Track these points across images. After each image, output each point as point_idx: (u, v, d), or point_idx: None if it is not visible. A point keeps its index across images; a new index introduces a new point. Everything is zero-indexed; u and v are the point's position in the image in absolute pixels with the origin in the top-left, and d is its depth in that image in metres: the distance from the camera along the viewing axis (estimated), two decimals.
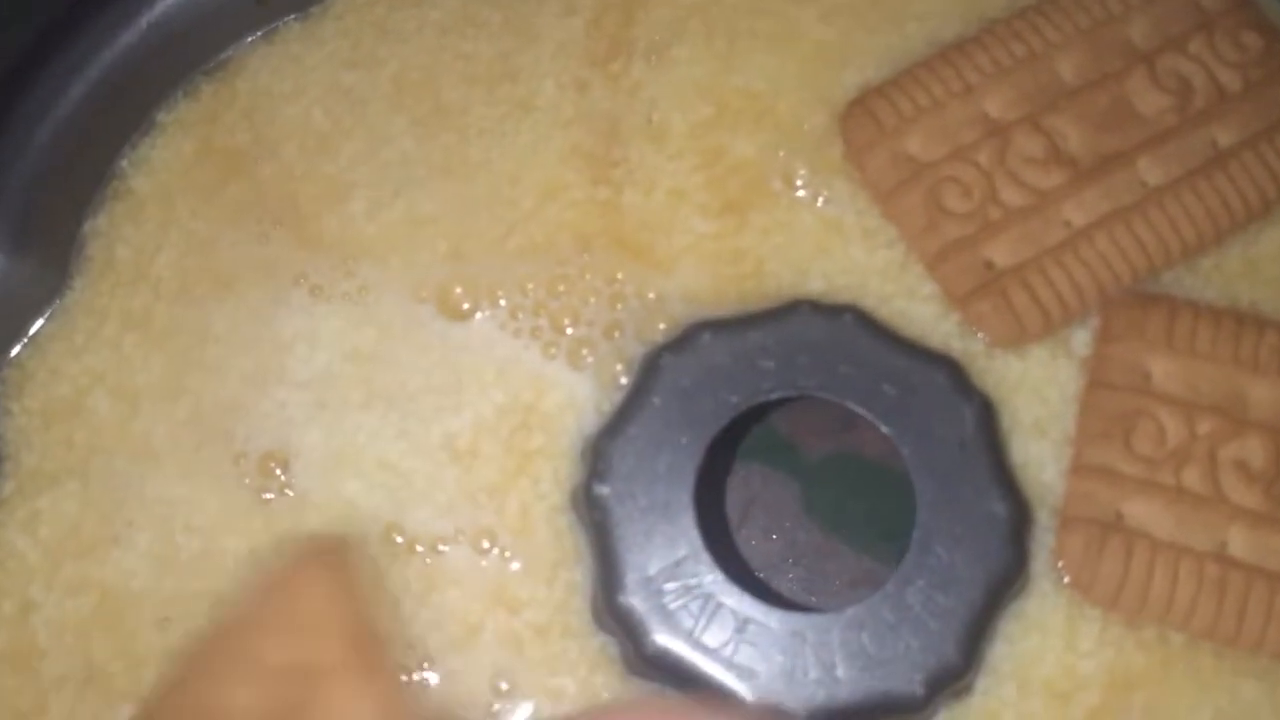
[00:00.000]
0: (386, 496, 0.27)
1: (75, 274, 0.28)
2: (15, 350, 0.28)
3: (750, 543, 0.29)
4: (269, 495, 0.27)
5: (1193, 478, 0.26)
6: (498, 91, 0.29)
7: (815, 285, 0.28)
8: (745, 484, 0.29)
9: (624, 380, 0.27)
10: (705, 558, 0.24)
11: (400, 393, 0.27)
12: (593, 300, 0.28)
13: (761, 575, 0.29)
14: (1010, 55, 0.29)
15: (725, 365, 0.25)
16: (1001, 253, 0.27)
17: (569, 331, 0.28)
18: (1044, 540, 0.26)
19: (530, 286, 0.28)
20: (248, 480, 0.27)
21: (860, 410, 0.25)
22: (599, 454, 0.25)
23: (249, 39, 0.30)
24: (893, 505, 0.28)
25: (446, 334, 0.28)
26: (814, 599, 0.29)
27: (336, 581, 0.19)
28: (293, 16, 0.30)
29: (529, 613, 0.26)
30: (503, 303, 0.28)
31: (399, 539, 0.27)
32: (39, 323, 0.28)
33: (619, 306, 0.28)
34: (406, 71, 0.29)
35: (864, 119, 0.28)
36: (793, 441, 0.30)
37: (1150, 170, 0.28)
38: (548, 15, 0.30)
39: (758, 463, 0.29)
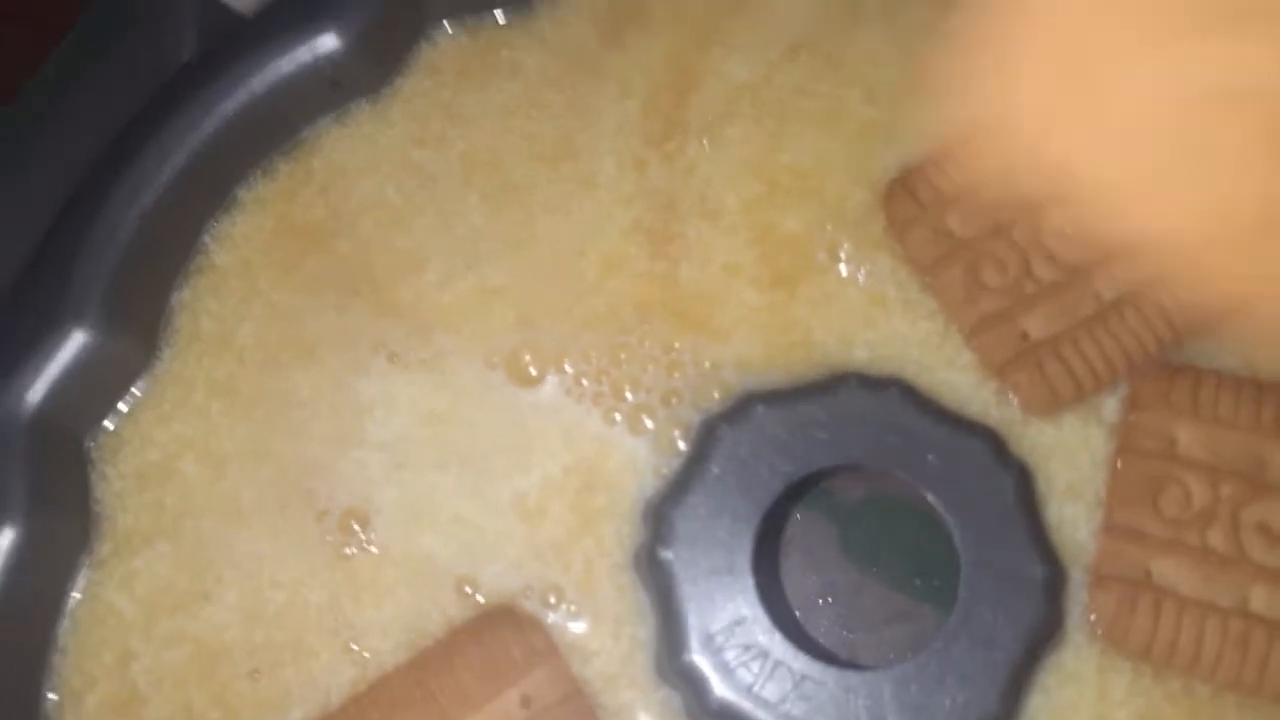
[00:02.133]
0: (460, 551, 0.28)
1: (164, 345, 0.30)
2: (110, 418, 0.29)
3: (789, 581, 0.30)
4: (350, 550, 0.28)
5: (1217, 538, 0.28)
6: (561, 169, 0.31)
7: (860, 354, 0.30)
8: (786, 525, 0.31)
9: (681, 445, 0.29)
10: (763, 618, 0.26)
11: (473, 453, 0.29)
12: (651, 368, 0.30)
13: (800, 612, 0.30)
14: None
15: (780, 437, 0.27)
16: (1036, 325, 0.29)
17: (629, 398, 0.29)
18: (1078, 596, 0.28)
19: (593, 354, 0.30)
20: (329, 537, 0.28)
21: (907, 479, 0.27)
22: (661, 519, 0.27)
23: (322, 120, 0.32)
24: (924, 544, 0.29)
25: (516, 399, 0.30)
26: (850, 634, 0.30)
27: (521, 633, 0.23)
28: (364, 99, 0.32)
29: (597, 663, 0.27)
30: (568, 369, 0.30)
31: (468, 590, 0.28)
32: (131, 392, 0.30)
33: (676, 374, 0.30)
34: (474, 151, 0.31)
35: (905, 197, 0.30)
36: (830, 486, 0.31)
37: None
38: (606, 97, 0.32)
39: (797, 506, 0.31)
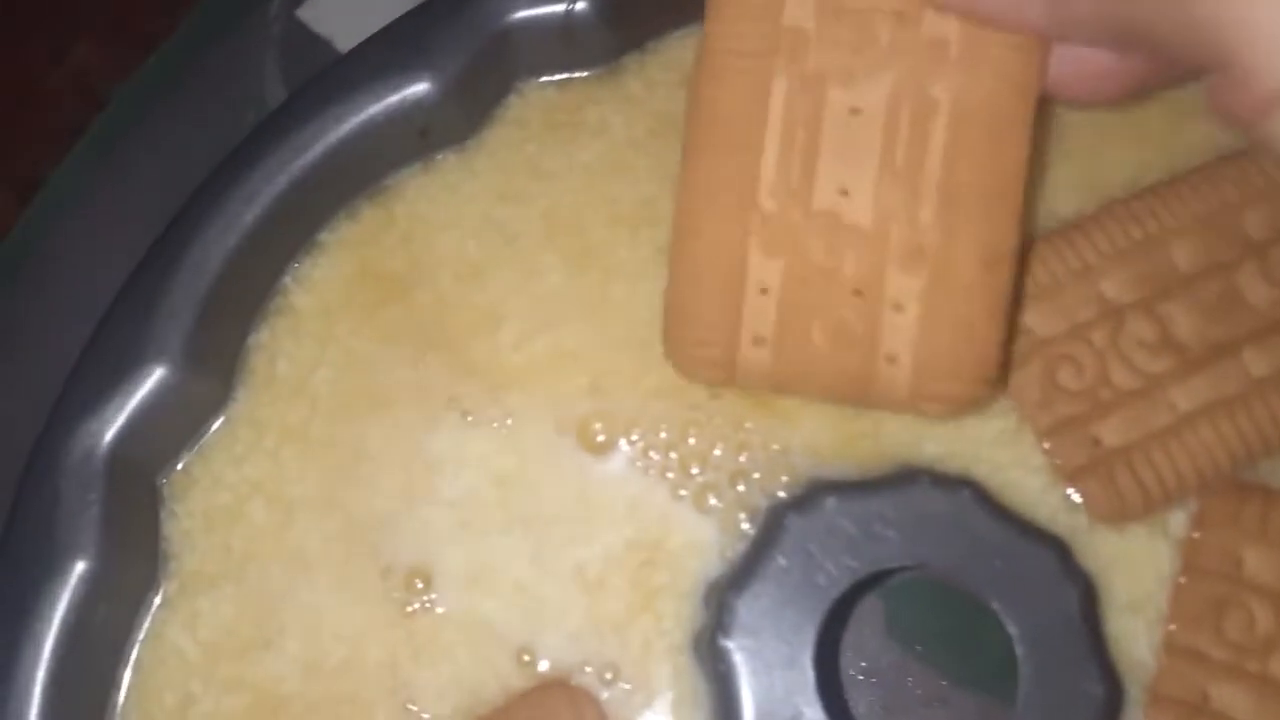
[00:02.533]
0: (520, 618, 0.29)
1: (239, 386, 0.30)
2: (182, 458, 0.30)
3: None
4: (412, 608, 0.29)
5: (1278, 667, 0.27)
6: (640, 234, 0.31)
7: (930, 449, 0.29)
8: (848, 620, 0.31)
9: (745, 526, 0.29)
10: (822, 717, 0.26)
11: (536, 519, 0.29)
12: (720, 447, 0.30)
13: (846, 687, 0.30)
14: (1128, 237, 0.30)
15: (848, 531, 0.27)
16: (1110, 432, 0.29)
17: (696, 475, 0.30)
18: (1132, 714, 0.28)
19: (663, 427, 0.30)
20: (395, 594, 0.29)
21: (972, 586, 0.27)
22: (725, 607, 0.27)
23: (408, 169, 0.32)
24: (969, 628, 0.29)
25: (582, 465, 0.30)
26: (889, 715, 0.30)
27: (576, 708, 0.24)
28: (450, 149, 0.32)
29: None
30: (636, 440, 0.30)
31: (526, 659, 0.29)
32: (205, 432, 0.30)
33: (744, 455, 0.30)
34: (556, 209, 0.31)
35: None
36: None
37: (1255, 361, 0.30)
38: None
39: (863, 593, 0.30)
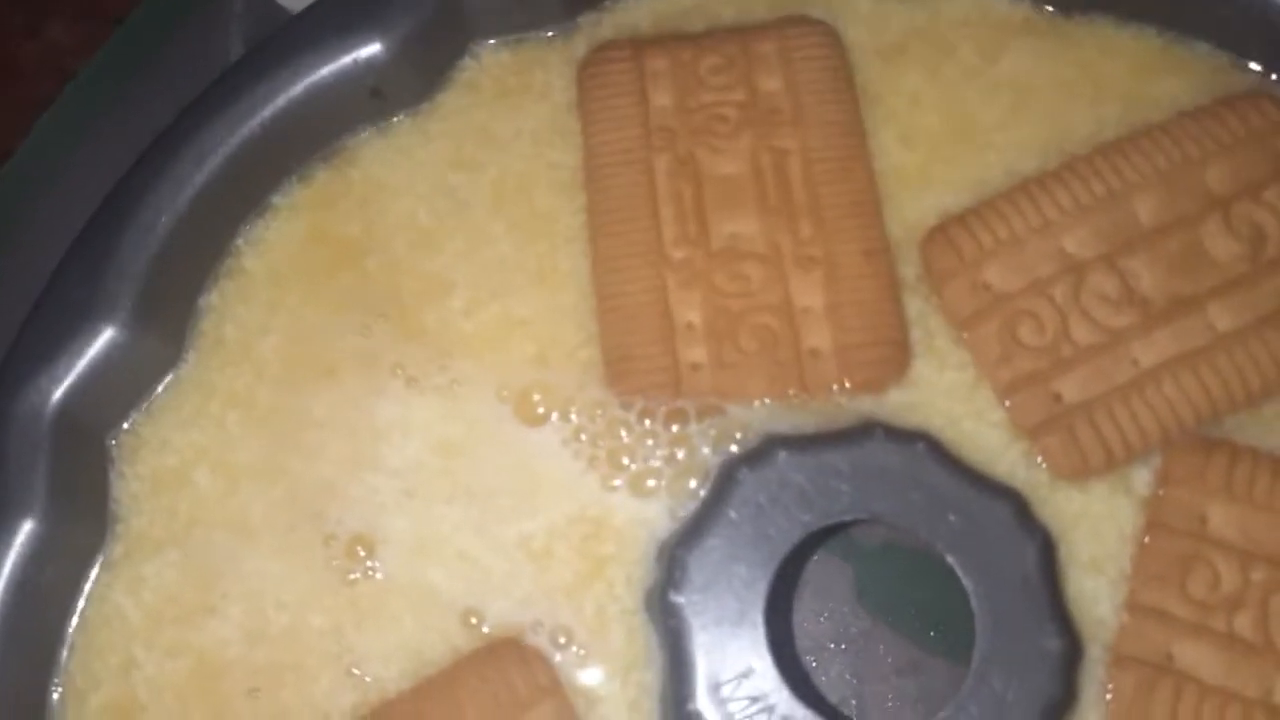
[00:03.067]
0: (466, 586, 0.28)
1: (189, 347, 0.30)
2: (132, 418, 0.29)
3: (802, 624, 0.30)
4: (354, 576, 0.28)
5: (1244, 625, 0.27)
6: (580, 200, 0.31)
7: (887, 400, 0.29)
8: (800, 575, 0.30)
9: (693, 484, 0.28)
10: (773, 672, 0.26)
11: (480, 490, 0.29)
12: (663, 412, 0.29)
13: (810, 658, 0.29)
14: (1089, 193, 0.30)
15: (800, 485, 0.27)
16: (1070, 388, 0.29)
17: (647, 441, 0.29)
18: (1094, 673, 0.27)
19: (607, 395, 0.29)
20: (335, 561, 0.28)
21: (928, 538, 0.26)
22: (676, 563, 0.26)
23: (363, 131, 0.31)
24: (940, 595, 0.29)
25: (524, 438, 0.29)
26: (859, 683, 0.29)
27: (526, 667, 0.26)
28: (405, 112, 0.31)
29: (602, 708, 0.27)
30: (576, 414, 0.29)
31: (474, 621, 0.28)
32: (154, 393, 0.29)
33: (692, 422, 0.29)
34: (504, 177, 0.31)
35: (945, 247, 0.30)
36: (850, 530, 0.30)
37: (1220, 316, 0.29)
38: None
39: (814, 550, 0.30)
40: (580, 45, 0.32)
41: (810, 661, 0.29)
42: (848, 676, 0.30)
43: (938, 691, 0.29)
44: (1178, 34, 0.31)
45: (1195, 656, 0.27)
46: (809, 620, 0.30)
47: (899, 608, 0.30)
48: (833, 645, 0.30)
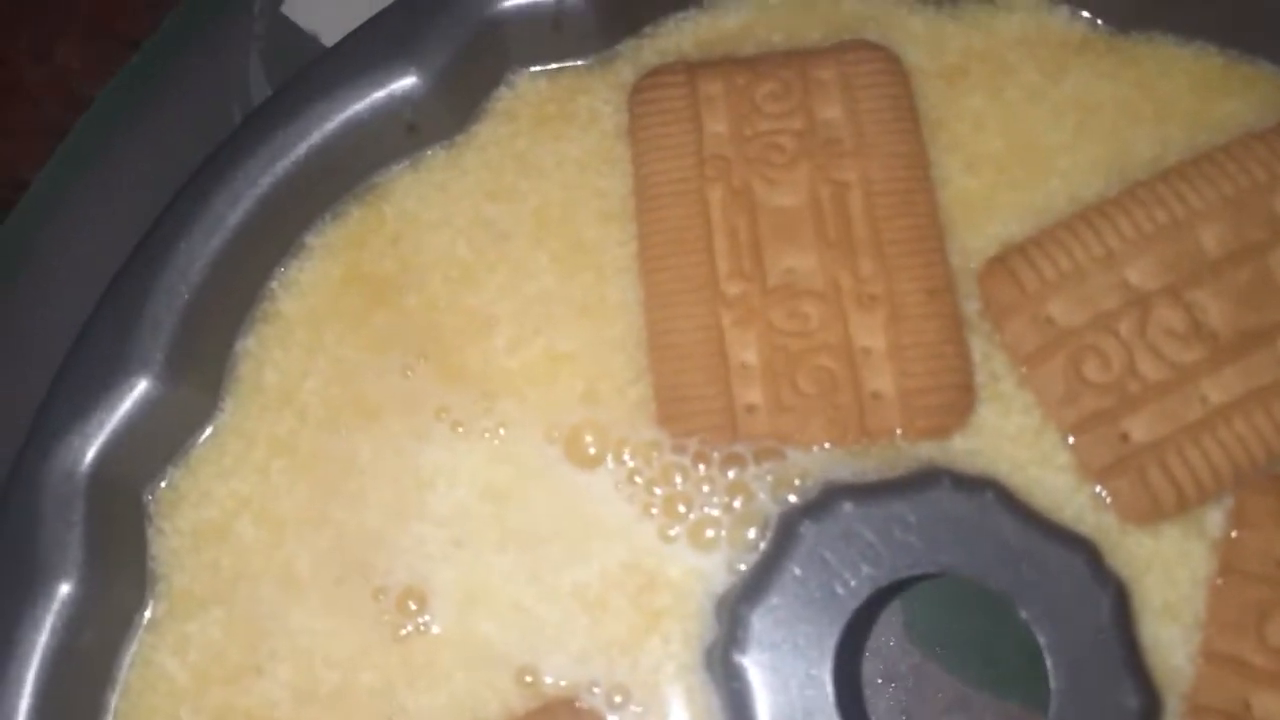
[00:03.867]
0: (520, 639, 0.27)
1: (227, 395, 0.29)
2: (169, 472, 0.28)
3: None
4: (405, 630, 0.27)
5: None
6: (630, 229, 0.30)
7: (949, 444, 0.28)
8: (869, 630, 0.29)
9: (752, 535, 0.27)
10: None
11: (532, 536, 0.28)
12: (717, 458, 0.28)
13: (864, 705, 0.29)
14: (1152, 221, 0.29)
15: (866, 538, 0.26)
16: (1139, 428, 0.28)
17: (703, 487, 0.28)
18: None
19: (661, 436, 0.28)
20: (386, 616, 0.27)
21: (1000, 590, 0.25)
22: (739, 621, 0.26)
23: (397, 167, 0.30)
24: (989, 628, 0.28)
25: (575, 482, 0.28)
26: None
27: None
28: (439, 145, 0.30)
29: None
30: (627, 457, 0.28)
31: (529, 679, 0.27)
32: (192, 445, 0.29)
33: (749, 466, 0.28)
34: (547, 206, 0.30)
35: (1005, 279, 0.29)
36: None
37: None
38: None
39: (884, 603, 0.29)
40: (625, 70, 0.31)
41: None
42: (897, 713, 0.29)
43: None
44: (1240, 52, 0.30)
45: (1273, 706, 0.26)
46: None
47: (948, 642, 0.29)
48: (880, 681, 0.29)
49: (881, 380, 0.27)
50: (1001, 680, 0.29)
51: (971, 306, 0.29)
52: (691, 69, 0.30)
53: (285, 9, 0.36)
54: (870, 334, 0.28)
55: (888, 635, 0.29)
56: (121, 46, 0.36)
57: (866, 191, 0.29)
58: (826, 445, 0.28)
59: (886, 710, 0.29)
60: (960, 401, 0.28)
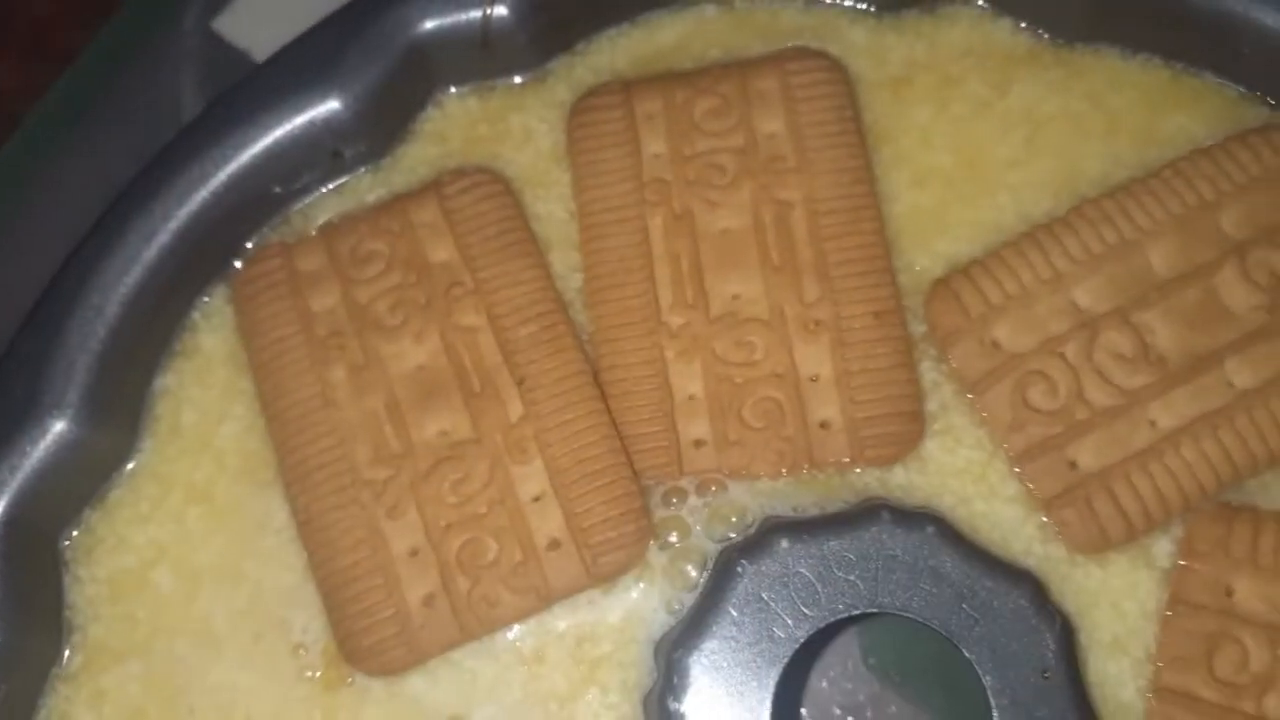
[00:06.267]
0: (452, 692, 0.26)
1: (145, 435, 0.28)
2: (86, 516, 0.27)
3: (806, 689, 0.28)
4: (329, 687, 0.26)
5: (1274, 706, 0.25)
6: (572, 258, 0.28)
7: (890, 475, 0.27)
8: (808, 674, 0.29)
9: (691, 572, 0.27)
10: None
11: None
12: (656, 494, 0.27)
13: None
14: (1101, 241, 0.28)
15: (804, 577, 0.25)
16: (1086, 455, 0.27)
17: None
18: None
19: None
20: (308, 672, 0.26)
21: (941, 631, 0.25)
22: (675, 667, 0.25)
23: (320, 190, 0.29)
24: (949, 657, 0.27)
25: None
26: None
27: None
28: (364, 168, 0.29)
29: None
30: None
31: None
32: (110, 487, 0.27)
33: (689, 498, 0.27)
34: None
35: (950, 303, 0.28)
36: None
37: (1238, 372, 0.27)
38: None
39: (824, 642, 0.28)
40: (559, 88, 0.30)
41: None
42: None
43: None
44: (1185, 65, 0.30)
45: None
46: (812, 684, 0.28)
47: (907, 669, 0.28)
48: (839, 712, 0.28)
49: (829, 409, 0.27)
50: (965, 710, 0.27)
51: (919, 329, 0.28)
52: (628, 87, 0.29)
53: (216, 25, 0.34)
54: (817, 361, 0.27)
55: (844, 664, 0.28)
56: (58, 65, 0.35)
57: (811, 211, 0.28)
58: (775, 478, 0.27)
59: None
60: (909, 430, 0.27)
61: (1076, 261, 0.28)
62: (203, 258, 0.28)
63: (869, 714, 0.28)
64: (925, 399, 0.27)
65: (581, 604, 0.26)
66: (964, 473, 0.27)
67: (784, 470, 0.27)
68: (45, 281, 0.28)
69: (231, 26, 0.34)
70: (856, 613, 0.25)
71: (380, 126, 0.29)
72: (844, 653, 0.28)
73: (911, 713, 0.28)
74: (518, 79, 0.30)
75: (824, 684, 0.28)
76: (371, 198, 0.29)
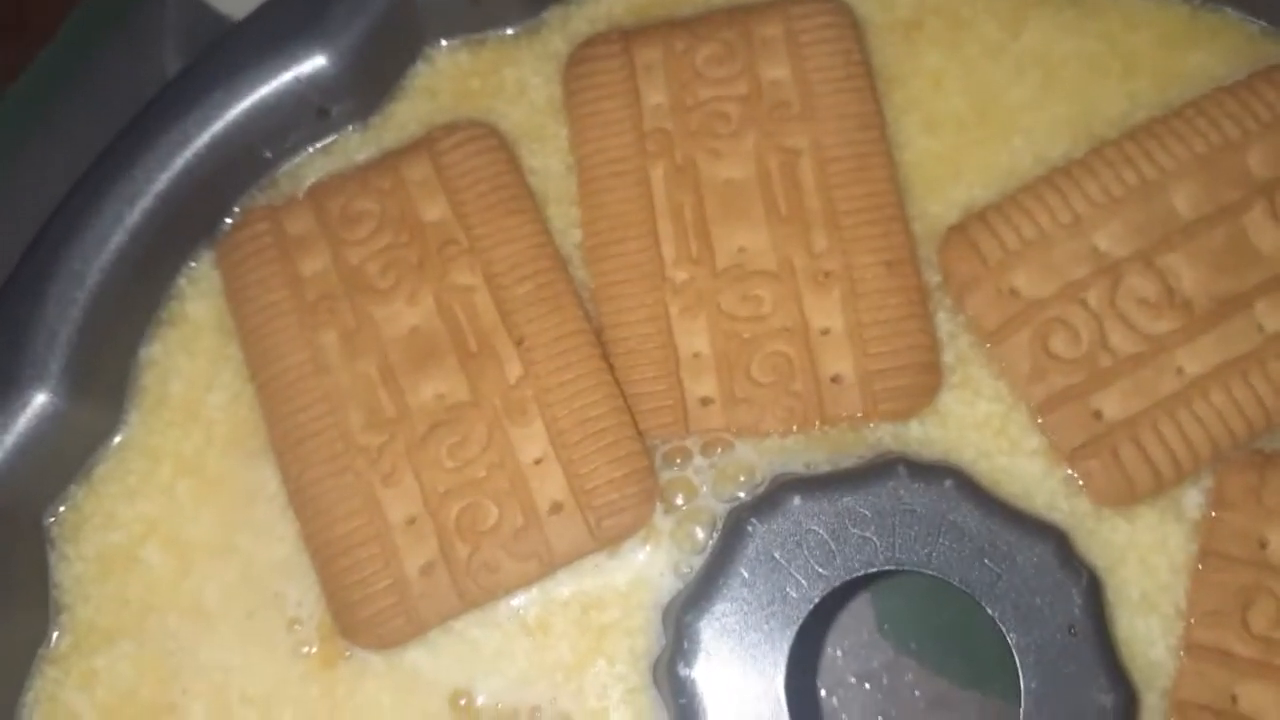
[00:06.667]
0: (454, 664, 0.25)
1: (130, 407, 0.27)
2: (71, 492, 0.26)
3: (821, 658, 0.27)
4: (326, 662, 0.25)
5: None
6: (571, 212, 0.27)
7: (908, 433, 0.26)
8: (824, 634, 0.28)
9: (699, 534, 0.26)
10: None
11: None
12: (659, 455, 0.26)
13: (832, 696, 0.27)
14: (1121, 183, 0.27)
15: (818, 535, 0.24)
16: (1111, 404, 0.26)
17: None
18: None
19: None
20: (305, 648, 0.25)
21: (962, 587, 0.24)
22: (684, 631, 0.24)
23: (308, 150, 0.28)
24: (965, 623, 0.26)
25: None
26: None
27: None
28: (353, 127, 0.28)
29: None
30: None
31: (464, 703, 0.25)
32: (95, 461, 0.27)
33: (693, 458, 0.26)
34: None
35: (966, 250, 0.27)
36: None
37: (1268, 314, 0.26)
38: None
39: (840, 602, 0.28)
40: (554, 40, 0.29)
41: (832, 700, 0.27)
42: (875, 715, 0.27)
43: None
44: (1203, 1, 0.28)
45: (1262, 699, 0.24)
46: (826, 653, 0.27)
47: (922, 636, 0.27)
48: (854, 680, 0.28)
49: (841, 363, 0.26)
50: (980, 676, 0.27)
51: (934, 279, 0.27)
52: (627, 36, 0.28)
53: None
54: (827, 314, 0.26)
55: (859, 631, 0.28)
56: (37, 41, 0.34)
57: (818, 159, 0.27)
58: (785, 435, 0.26)
59: (862, 712, 0.27)
60: (925, 382, 0.26)
61: (1096, 205, 0.27)
62: (188, 222, 0.27)
63: (885, 681, 0.27)
64: (941, 350, 0.26)
65: (586, 569, 0.25)
66: (983, 426, 0.26)
67: (794, 427, 0.26)
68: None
69: None
70: (873, 570, 0.24)
71: (368, 82, 0.28)
72: (858, 620, 0.28)
73: (928, 679, 0.27)
74: (510, 30, 0.29)
75: (838, 653, 0.28)
76: (361, 157, 0.28)
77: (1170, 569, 0.25)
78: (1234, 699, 0.24)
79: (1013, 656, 0.24)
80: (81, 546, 0.26)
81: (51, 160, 0.33)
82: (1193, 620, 0.25)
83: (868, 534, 0.24)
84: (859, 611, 0.28)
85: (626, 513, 0.25)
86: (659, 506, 0.26)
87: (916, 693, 0.27)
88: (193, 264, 0.28)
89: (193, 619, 0.25)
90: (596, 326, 0.26)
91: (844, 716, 0.27)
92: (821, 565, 0.24)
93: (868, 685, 0.27)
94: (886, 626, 0.27)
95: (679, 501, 0.26)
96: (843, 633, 0.28)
